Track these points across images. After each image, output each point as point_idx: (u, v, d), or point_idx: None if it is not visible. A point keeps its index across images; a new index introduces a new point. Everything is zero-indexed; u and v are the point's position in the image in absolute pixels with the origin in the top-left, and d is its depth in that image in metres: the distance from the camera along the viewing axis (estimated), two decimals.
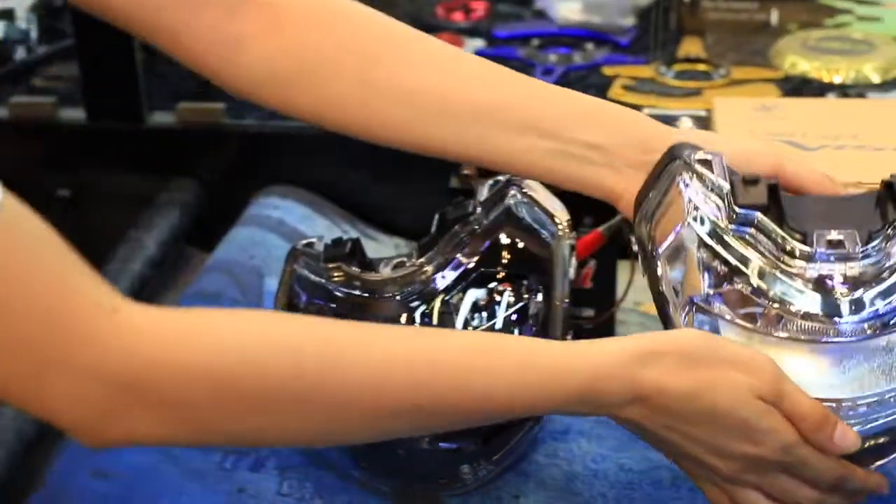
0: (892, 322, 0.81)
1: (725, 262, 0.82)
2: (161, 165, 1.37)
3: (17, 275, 0.67)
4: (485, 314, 0.94)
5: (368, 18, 0.94)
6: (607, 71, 1.45)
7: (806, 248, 0.82)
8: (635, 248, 0.91)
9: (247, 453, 1.00)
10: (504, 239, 0.95)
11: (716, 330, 0.84)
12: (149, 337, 0.70)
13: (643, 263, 0.89)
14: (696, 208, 0.84)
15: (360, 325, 0.80)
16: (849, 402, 0.82)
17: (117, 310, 0.70)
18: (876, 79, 1.41)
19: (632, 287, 1.15)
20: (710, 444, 0.81)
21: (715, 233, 0.83)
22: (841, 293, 0.81)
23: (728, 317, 0.83)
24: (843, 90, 1.39)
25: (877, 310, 0.81)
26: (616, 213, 1.09)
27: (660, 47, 1.49)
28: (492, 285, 0.95)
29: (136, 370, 0.70)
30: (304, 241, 0.99)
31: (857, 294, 0.81)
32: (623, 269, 1.14)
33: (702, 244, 0.83)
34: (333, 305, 0.93)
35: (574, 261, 0.99)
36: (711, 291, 0.83)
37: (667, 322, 0.87)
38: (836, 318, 0.81)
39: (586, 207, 1.11)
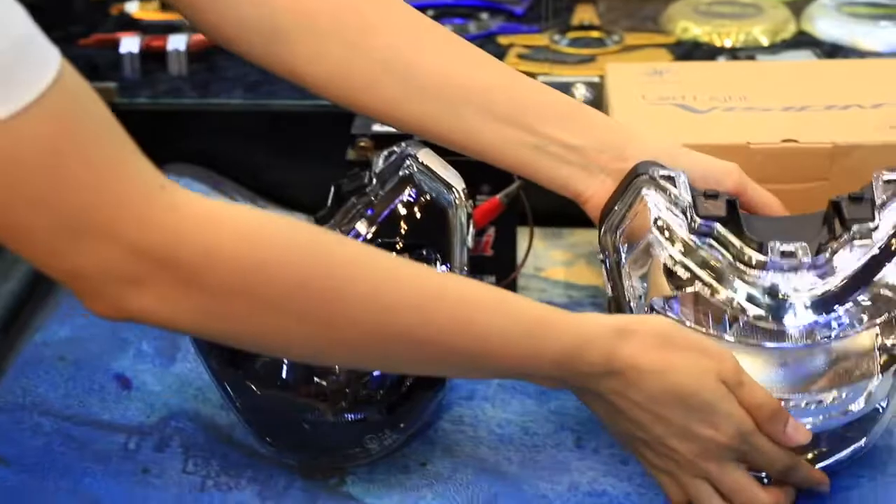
0: (836, 331, 0.87)
1: (686, 268, 0.88)
2: None
3: (78, 137, 0.69)
4: None
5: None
6: (502, 40, 1.46)
7: (761, 257, 0.87)
8: (600, 256, 0.94)
9: (150, 433, 0.99)
10: (401, 209, 0.95)
11: None
12: (192, 219, 0.72)
13: (607, 272, 0.93)
14: (660, 219, 0.89)
15: (377, 249, 0.85)
16: (793, 402, 0.87)
17: (165, 188, 0.72)
18: (764, 41, 1.43)
19: (532, 253, 1.16)
20: (675, 424, 0.83)
21: (677, 242, 0.88)
22: (790, 301, 0.87)
23: (684, 321, 0.88)
24: (734, 53, 1.41)
25: (822, 318, 0.87)
26: (513, 180, 1.11)
27: (553, 16, 1.50)
28: None
29: (174, 247, 0.71)
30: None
31: (805, 303, 0.87)
32: (522, 236, 1.15)
33: (665, 252, 0.88)
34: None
35: (472, 229, 0.99)
36: (671, 295, 0.89)
37: None
38: (785, 324, 0.87)
39: (484, 176, 1.12)
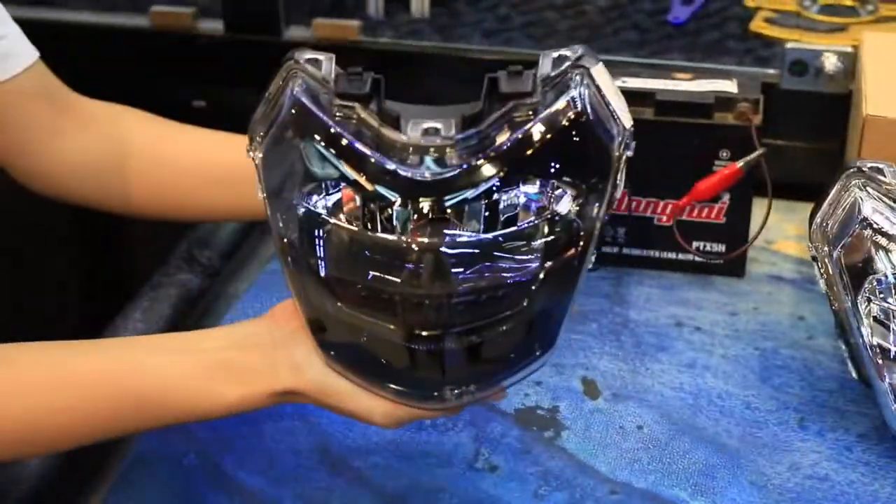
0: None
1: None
2: None
3: None
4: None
5: (143, 113, 1.06)
6: (749, 2, 1.41)
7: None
8: (811, 252, 0.92)
9: None
10: (557, 135, 0.78)
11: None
12: None
13: (818, 264, 0.91)
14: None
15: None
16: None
17: None
18: None
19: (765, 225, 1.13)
20: None
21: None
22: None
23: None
24: None
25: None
26: (755, 147, 1.08)
27: None
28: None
29: None
30: (308, 55, 0.83)
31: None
32: (759, 207, 1.11)
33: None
34: (330, 150, 0.78)
35: (623, 177, 0.83)
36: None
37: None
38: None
39: (724, 141, 1.10)
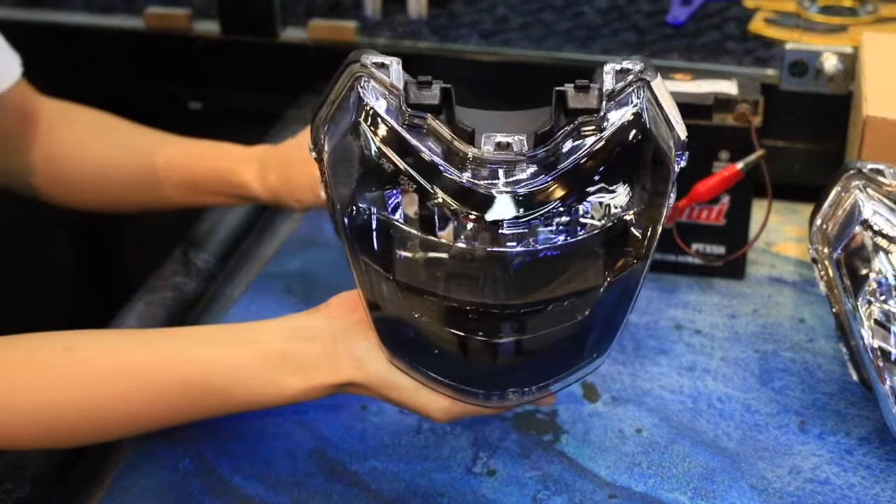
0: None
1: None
2: (291, 82, 1.37)
3: None
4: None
5: (95, 112, 1.09)
6: (749, 3, 1.41)
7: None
8: (811, 253, 0.91)
9: None
10: (622, 152, 0.79)
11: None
12: None
13: (817, 265, 0.90)
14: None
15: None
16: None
17: None
18: None
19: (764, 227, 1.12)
20: None
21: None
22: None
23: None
24: None
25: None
26: (754, 149, 1.07)
27: None
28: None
29: None
30: (374, 58, 0.82)
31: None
32: (759, 208, 1.11)
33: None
34: (401, 158, 0.78)
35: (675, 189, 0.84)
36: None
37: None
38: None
39: (723, 142, 1.09)
